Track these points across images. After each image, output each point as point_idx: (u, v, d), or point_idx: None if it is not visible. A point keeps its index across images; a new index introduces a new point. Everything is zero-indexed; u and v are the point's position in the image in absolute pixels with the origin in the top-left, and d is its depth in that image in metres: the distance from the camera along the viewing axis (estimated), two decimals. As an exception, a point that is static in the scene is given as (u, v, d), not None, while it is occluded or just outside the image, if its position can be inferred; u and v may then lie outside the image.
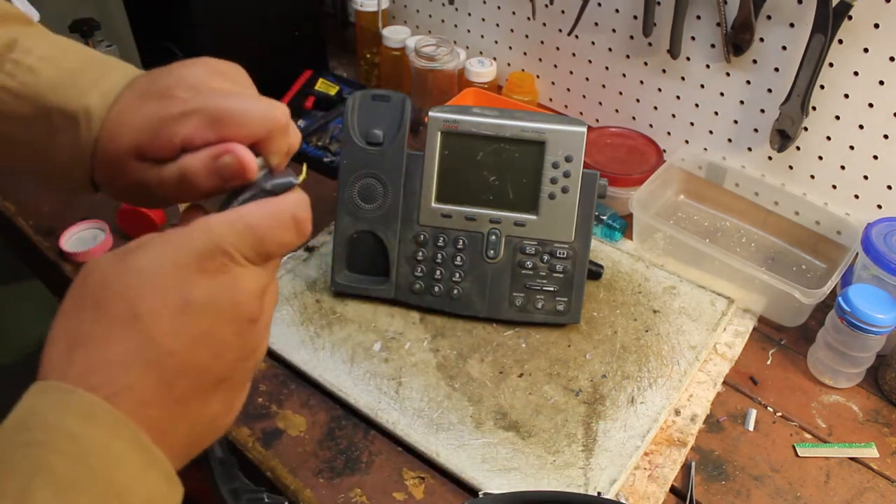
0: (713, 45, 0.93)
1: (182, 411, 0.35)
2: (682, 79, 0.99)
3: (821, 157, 0.91)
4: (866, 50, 0.81)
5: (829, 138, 0.89)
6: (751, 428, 0.74)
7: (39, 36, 0.46)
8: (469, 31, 1.20)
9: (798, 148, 0.92)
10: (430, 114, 0.79)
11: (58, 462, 0.31)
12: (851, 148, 0.87)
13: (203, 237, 0.36)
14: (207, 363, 0.36)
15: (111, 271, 0.36)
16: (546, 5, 1.08)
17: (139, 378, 0.34)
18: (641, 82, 1.03)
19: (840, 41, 0.82)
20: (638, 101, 1.05)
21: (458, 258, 0.80)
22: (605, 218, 0.92)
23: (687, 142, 1.03)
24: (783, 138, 0.89)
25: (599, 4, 1.01)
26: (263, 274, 0.38)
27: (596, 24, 1.03)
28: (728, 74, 0.94)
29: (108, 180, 0.44)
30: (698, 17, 0.93)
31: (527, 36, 1.13)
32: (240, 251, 0.37)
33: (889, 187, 0.86)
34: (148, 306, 0.34)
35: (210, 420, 0.38)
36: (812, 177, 0.93)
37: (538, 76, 1.15)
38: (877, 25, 0.79)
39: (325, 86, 1.15)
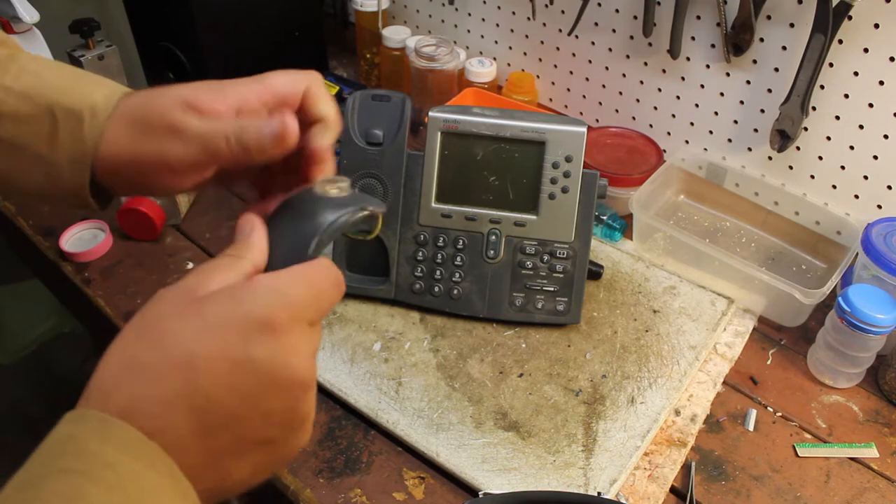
0: (713, 45, 0.93)
1: (214, 463, 0.35)
2: (682, 79, 0.99)
3: (821, 157, 0.91)
4: (866, 50, 0.81)
5: (829, 138, 0.89)
6: (751, 428, 0.74)
7: (34, 55, 0.49)
8: (469, 31, 1.21)
9: (798, 148, 0.92)
10: (430, 114, 0.79)
11: (94, 491, 0.31)
12: (851, 148, 0.87)
13: (272, 296, 0.36)
14: (253, 423, 0.35)
15: (178, 309, 0.36)
16: (546, 5, 1.08)
17: (182, 420, 0.34)
18: (641, 82, 1.03)
19: (840, 41, 0.82)
20: (638, 101, 1.05)
21: (458, 258, 0.80)
22: (605, 218, 0.92)
23: (687, 142, 1.03)
24: (783, 138, 0.89)
25: (599, 4, 1.01)
26: (316, 336, 0.39)
27: (596, 24, 1.03)
28: (728, 74, 0.94)
29: (121, 163, 0.45)
30: (698, 17, 0.93)
31: (527, 36, 1.13)
32: (306, 312, 0.37)
33: (889, 187, 0.86)
34: (205, 353, 0.34)
35: (238, 479, 0.37)
36: (812, 177, 0.93)
37: (538, 76, 1.15)
38: (877, 25, 0.79)
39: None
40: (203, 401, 0.34)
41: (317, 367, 0.39)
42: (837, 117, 0.87)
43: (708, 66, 0.95)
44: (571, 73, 1.11)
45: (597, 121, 1.12)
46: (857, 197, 0.90)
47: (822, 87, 0.86)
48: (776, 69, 0.89)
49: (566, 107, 1.15)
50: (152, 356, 0.34)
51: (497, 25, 1.16)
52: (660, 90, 1.02)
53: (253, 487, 0.38)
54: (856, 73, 0.83)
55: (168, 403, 0.33)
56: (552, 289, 0.80)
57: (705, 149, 1.01)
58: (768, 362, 0.81)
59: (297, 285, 0.37)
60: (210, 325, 0.35)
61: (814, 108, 0.87)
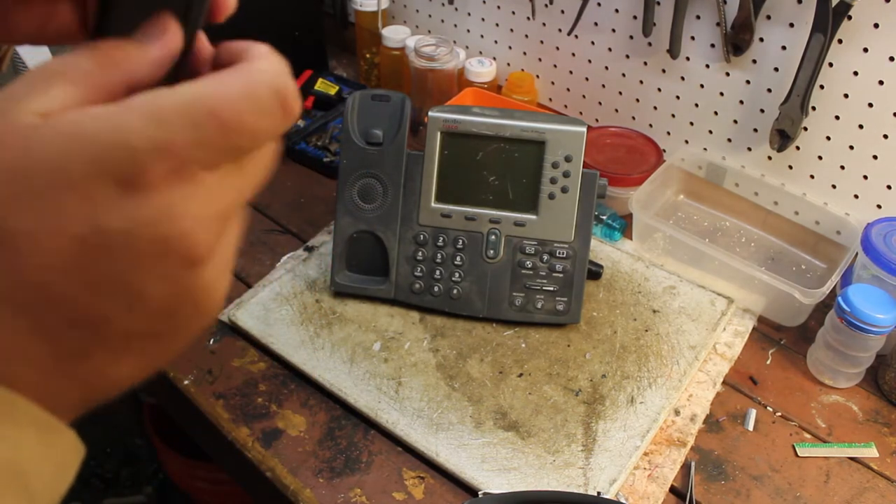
0: (713, 45, 0.93)
1: (73, 371, 0.26)
2: (682, 79, 0.99)
3: (821, 157, 0.91)
4: (866, 50, 0.81)
5: (828, 138, 0.89)
6: (750, 428, 0.74)
7: None
8: (469, 31, 1.21)
9: (798, 148, 0.92)
10: (430, 114, 0.79)
11: None
12: (851, 148, 0.87)
13: (140, 129, 0.23)
14: (117, 315, 0.25)
15: None
16: (546, 5, 1.08)
17: (7, 328, 0.24)
18: (641, 82, 1.03)
19: (840, 41, 0.82)
20: (638, 100, 1.05)
21: (458, 258, 0.80)
22: (604, 218, 0.92)
23: (687, 142, 1.03)
24: (783, 138, 0.89)
25: (599, 4, 1.01)
26: (227, 186, 0.26)
27: (596, 24, 1.03)
28: (728, 74, 0.94)
29: None
30: (698, 17, 0.93)
31: (526, 36, 1.13)
32: (191, 153, 0.24)
33: (889, 187, 0.86)
34: (27, 227, 0.23)
35: (118, 381, 0.28)
36: (812, 177, 0.93)
37: (538, 76, 1.15)
38: (877, 25, 0.79)
39: (324, 86, 1.16)
40: (36, 296, 0.24)
41: (235, 234, 0.28)
42: (837, 117, 0.87)
43: (707, 66, 0.95)
44: (571, 72, 1.11)
45: (596, 121, 1.12)
46: (856, 197, 0.90)
47: (821, 86, 0.86)
48: (776, 69, 0.89)
49: (566, 107, 1.15)
50: None
51: (497, 25, 1.16)
52: (659, 90, 1.02)
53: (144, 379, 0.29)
54: (856, 73, 0.83)
55: None
56: (552, 288, 0.80)
57: (705, 149, 1.01)
58: (768, 362, 0.81)
59: (181, 112, 0.24)
60: (30, 182, 0.23)
61: (813, 108, 0.87)
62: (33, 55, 0.96)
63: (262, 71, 0.26)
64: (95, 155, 0.23)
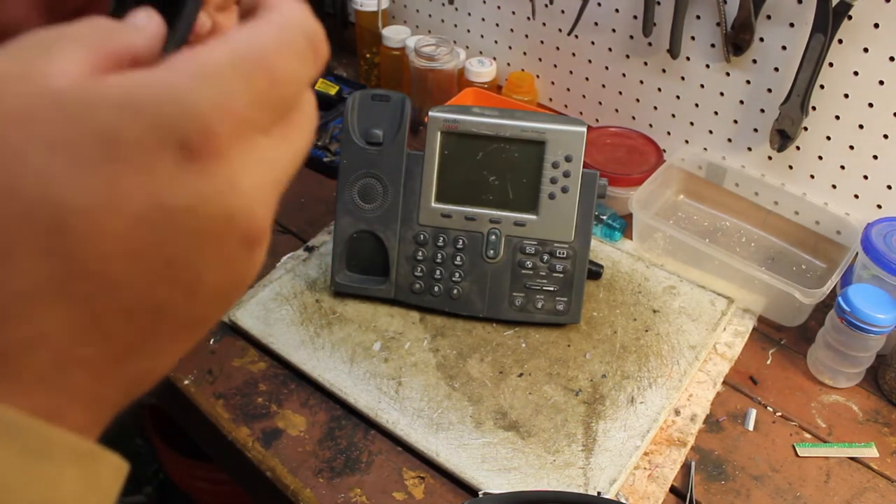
0: (713, 45, 0.93)
1: (122, 372, 0.23)
2: (682, 78, 0.99)
3: (821, 157, 0.91)
4: (866, 50, 0.81)
5: (829, 138, 0.89)
6: (751, 428, 0.74)
7: None
8: (469, 30, 1.21)
9: (798, 148, 0.92)
10: (430, 113, 0.79)
11: None
12: (851, 148, 0.87)
13: (197, 88, 0.21)
14: (173, 305, 0.22)
15: (19, 127, 0.20)
16: (546, 5, 1.08)
17: (54, 326, 0.20)
18: (641, 82, 1.03)
19: (840, 41, 0.82)
20: (638, 100, 1.05)
21: (458, 258, 0.80)
22: (604, 218, 0.92)
23: (687, 142, 1.03)
24: (783, 138, 0.89)
25: (599, 4, 1.01)
26: (282, 150, 0.24)
27: (596, 23, 1.03)
28: (728, 74, 0.94)
29: None
30: (698, 17, 0.93)
31: (527, 36, 1.13)
32: (248, 111, 0.22)
33: (889, 187, 0.86)
34: (84, 205, 0.19)
35: (159, 373, 0.24)
36: (812, 177, 0.93)
37: (538, 76, 1.15)
38: (877, 25, 0.79)
39: (324, 86, 1.15)
40: (94, 286, 0.20)
41: (274, 203, 0.25)
42: (837, 117, 0.87)
43: (708, 66, 0.95)
44: (571, 72, 1.11)
45: (597, 120, 1.12)
46: (856, 197, 0.90)
47: (821, 86, 0.86)
48: (776, 69, 0.89)
49: (566, 106, 1.15)
50: None
51: (497, 25, 1.16)
52: (659, 90, 1.02)
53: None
54: (856, 73, 0.83)
55: (28, 298, 0.20)
56: (552, 288, 0.80)
57: (705, 148, 1.01)
58: (768, 362, 0.81)
59: (228, 66, 0.21)
60: (81, 156, 0.20)
61: (814, 108, 0.87)
62: None
63: (291, 15, 0.24)
64: (154, 121, 0.20)
